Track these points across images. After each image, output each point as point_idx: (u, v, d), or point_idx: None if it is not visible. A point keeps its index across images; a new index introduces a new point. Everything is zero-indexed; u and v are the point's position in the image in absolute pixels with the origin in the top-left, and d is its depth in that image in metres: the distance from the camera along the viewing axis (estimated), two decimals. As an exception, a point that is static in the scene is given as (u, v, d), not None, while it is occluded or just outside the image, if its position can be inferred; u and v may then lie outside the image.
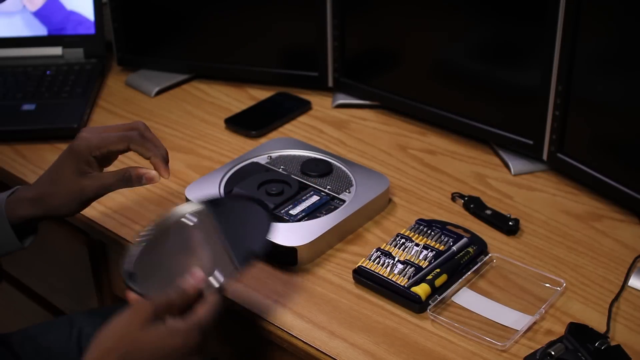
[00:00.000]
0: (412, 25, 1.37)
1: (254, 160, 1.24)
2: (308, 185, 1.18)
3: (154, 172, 1.02)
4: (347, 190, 1.17)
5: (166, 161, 1.04)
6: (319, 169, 1.21)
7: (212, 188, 1.16)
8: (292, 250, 1.06)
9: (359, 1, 1.41)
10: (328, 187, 1.18)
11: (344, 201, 1.15)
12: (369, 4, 1.41)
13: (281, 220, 1.11)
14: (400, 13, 1.37)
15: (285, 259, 1.07)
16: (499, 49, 1.28)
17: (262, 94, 1.52)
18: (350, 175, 1.20)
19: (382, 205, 1.18)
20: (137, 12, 1.55)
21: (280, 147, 1.27)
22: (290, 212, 1.12)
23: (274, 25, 1.49)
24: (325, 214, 1.12)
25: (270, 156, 1.25)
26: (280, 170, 1.22)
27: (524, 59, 1.24)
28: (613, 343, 0.93)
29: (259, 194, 1.15)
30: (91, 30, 1.58)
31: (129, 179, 1.02)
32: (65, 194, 1.02)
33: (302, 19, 1.46)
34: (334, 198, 1.16)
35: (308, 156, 1.25)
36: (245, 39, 1.51)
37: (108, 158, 1.05)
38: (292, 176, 1.20)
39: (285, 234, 1.06)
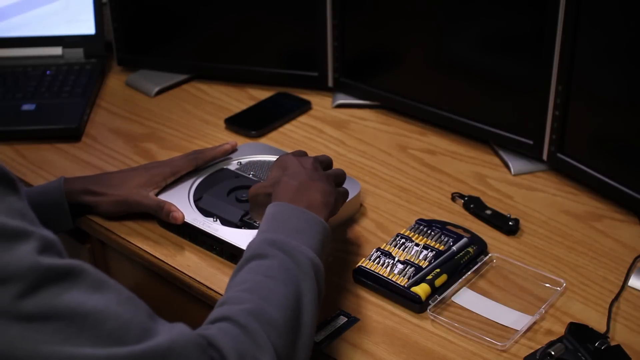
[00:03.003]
0: (412, 26, 1.37)
1: (224, 166, 1.23)
2: None
3: (179, 215, 1.11)
4: None
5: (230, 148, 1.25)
6: None
7: (182, 195, 1.16)
8: None
9: (359, 1, 1.41)
10: None
11: None
12: (369, 4, 1.41)
13: (251, 227, 1.11)
14: (400, 13, 1.37)
15: None
16: (499, 48, 1.28)
17: (262, 94, 1.52)
18: None
19: (353, 209, 1.18)
20: (137, 12, 1.55)
21: (250, 153, 1.26)
22: None
23: (274, 25, 1.49)
24: None
25: (240, 162, 1.25)
26: (250, 176, 1.21)
27: (524, 59, 1.24)
28: (613, 343, 0.93)
29: (228, 201, 1.15)
30: (91, 30, 1.58)
31: (161, 210, 1.12)
32: (118, 194, 1.14)
33: (302, 19, 1.46)
34: None
35: None
36: (245, 39, 1.51)
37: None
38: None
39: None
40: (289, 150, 1.29)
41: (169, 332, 0.74)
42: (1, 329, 0.66)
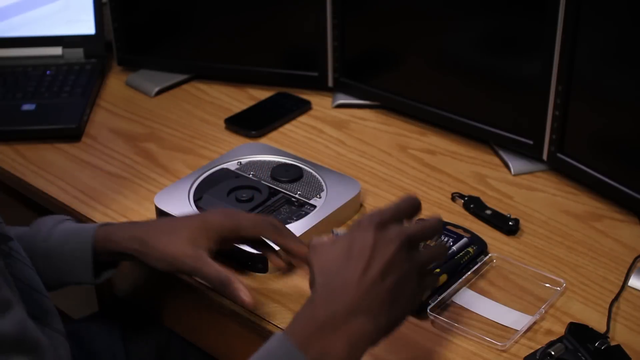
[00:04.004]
0: (412, 26, 1.37)
1: (224, 166, 1.23)
2: (278, 191, 1.17)
3: (247, 299, 0.93)
4: (318, 196, 1.16)
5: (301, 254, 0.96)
6: (289, 174, 1.20)
7: (182, 195, 1.16)
8: (262, 258, 1.05)
9: (359, 1, 1.42)
10: (299, 192, 1.17)
11: (314, 206, 1.14)
12: (369, 4, 1.41)
13: None
14: (400, 13, 1.37)
15: (256, 267, 1.06)
16: (499, 48, 1.28)
17: (262, 94, 1.52)
18: (321, 180, 1.19)
19: (353, 210, 1.18)
20: (137, 12, 1.55)
21: (250, 153, 1.26)
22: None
23: (274, 25, 1.49)
24: (296, 220, 1.11)
25: (240, 162, 1.24)
26: (250, 176, 1.21)
27: (524, 59, 1.24)
28: (613, 343, 0.93)
29: (228, 201, 1.15)
30: (91, 30, 1.58)
31: (224, 286, 0.94)
32: (167, 251, 0.96)
33: (302, 19, 1.46)
34: (304, 204, 1.15)
35: (278, 161, 1.24)
36: (245, 39, 1.51)
37: (228, 241, 1.00)
38: (262, 182, 1.19)
39: (255, 241, 1.06)
40: (290, 151, 1.29)
41: None
42: None
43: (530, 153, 1.28)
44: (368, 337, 0.78)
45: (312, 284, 0.81)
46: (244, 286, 0.93)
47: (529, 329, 0.97)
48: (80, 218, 1.19)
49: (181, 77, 1.57)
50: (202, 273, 0.95)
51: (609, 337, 0.95)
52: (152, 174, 1.29)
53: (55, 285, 1.01)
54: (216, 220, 0.97)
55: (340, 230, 0.90)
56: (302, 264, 0.96)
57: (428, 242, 1.08)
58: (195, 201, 1.15)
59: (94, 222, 1.17)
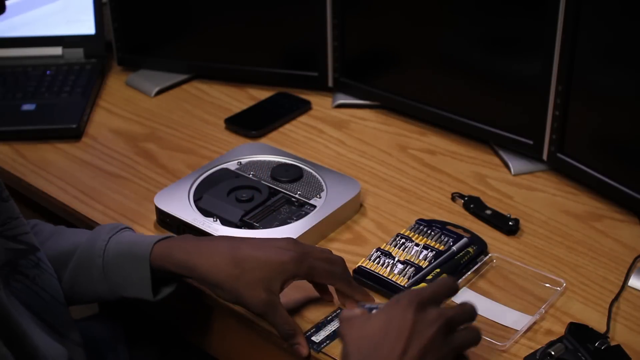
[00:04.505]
0: (412, 26, 1.37)
1: (224, 166, 1.23)
2: (278, 191, 1.17)
3: (305, 353, 0.93)
4: (318, 196, 1.16)
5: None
6: (289, 174, 1.20)
7: (182, 195, 1.16)
8: None
9: (359, 1, 1.41)
10: (299, 192, 1.17)
11: (314, 206, 1.14)
12: (369, 4, 1.41)
13: (251, 227, 1.11)
14: (400, 13, 1.37)
15: None
16: (499, 48, 1.28)
17: (262, 94, 1.52)
18: (321, 180, 1.19)
19: (353, 209, 1.18)
20: (137, 12, 1.55)
21: (250, 153, 1.26)
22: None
23: (274, 25, 1.49)
24: (296, 220, 1.11)
25: (240, 162, 1.24)
26: (250, 176, 1.21)
27: (524, 59, 1.24)
28: (613, 343, 0.93)
29: (228, 201, 1.15)
30: (91, 30, 1.58)
31: (289, 338, 0.94)
32: (237, 290, 0.93)
33: (302, 19, 1.46)
34: (304, 204, 1.15)
35: (278, 161, 1.24)
36: (245, 39, 1.51)
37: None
38: (262, 182, 1.19)
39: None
40: (290, 151, 1.29)
41: None
42: None
43: (530, 153, 1.28)
44: None
45: (345, 357, 0.80)
46: (305, 341, 0.94)
47: (529, 329, 0.97)
48: (81, 218, 1.19)
49: (181, 77, 1.57)
50: (271, 319, 0.94)
51: (609, 337, 0.95)
52: (152, 174, 1.29)
53: (110, 298, 1.00)
54: (292, 264, 0.93)
55: (369, 304, 0.90)
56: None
57: (428, 242, 1.08)
58: (195, 201, 1.15)
59: (95, 222, 1.17)
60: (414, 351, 0.77)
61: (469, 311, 0.83)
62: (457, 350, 0.82)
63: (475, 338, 0.83)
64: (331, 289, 0.99)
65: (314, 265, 0.95)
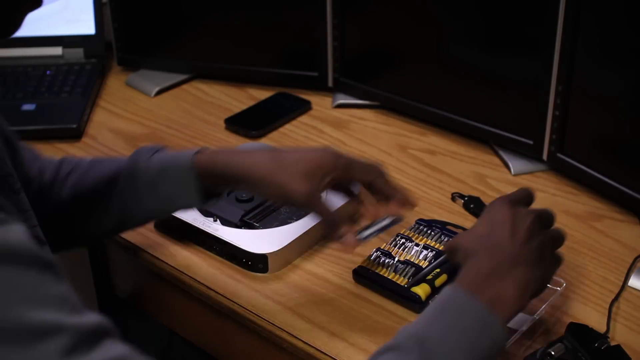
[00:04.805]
0: (412, 26, 1.37)
1: None
2: None
3: (351, 242, 0.96)
4: None
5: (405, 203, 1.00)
6: None
7: None
8: (262, 257, 1.05)
9: (359, 1, 1.42)
10: None
11: None
12: (369, 4, 1.41)
13: (251, 227, 1.11)
14: (400, 13, 1.37)
15: (256, 266, 1.06)
16: (499, 49, 1.28)
17: (262, 94, 1.52)
18: None
19: (353, 210, 1.17)
20: (137, 12, 1.55)
21: None
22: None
23: (274, 25, 1.49)
24: (296, 220, 1.11)
25: None
26: None
27: (524, 59, 1.24)
28: (613, 343, 0.93)
29: (228, 200, 1.15)
30: (91, 30, 1.58)
31: (332, 229, 0.96)
32: (281, 182, 0.94)
33: (302, 19, 1.46)
34: None
35: None
36: (245, 39, 1.51)
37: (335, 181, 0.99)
38: None
39: (255, 241, 1.06)
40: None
41: None
42: None
43: (530, 153, 1.28)
44: (532, 284, 0.84)
45: (467, 260, 0.86)
46: (349, 232, 0.96)
47: (529, 329, 0.97)
48: (80, 218, 1.19)
49: (181, 77, 1.57)
50: (313, 210, 0.97)
51: (609, 337, 0.95)
52: (152, 174, 1.29)
53: (161, 213, 1.05)
54: (331, 158, 0.97)
55: (366, 232, 0.97)
56: (395, 213, 1.00)
57: (428, 242, 1.08)
58: None
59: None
60: (521, 234, 0.85)
61: (551, 213, 0.92)
62: (554, 241, 0.90)
63: (564, 235, 0.91)
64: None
65: (351, 160, 0.99)
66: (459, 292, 0.81)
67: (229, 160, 0.97)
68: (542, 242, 0.87)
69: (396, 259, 1.05)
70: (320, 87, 1.50)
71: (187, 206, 1.03)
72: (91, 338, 0.61)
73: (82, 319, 0.61)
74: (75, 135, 1.39)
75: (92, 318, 0.62)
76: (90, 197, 1.02)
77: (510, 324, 0.97)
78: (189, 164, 0.98)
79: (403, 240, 1.09)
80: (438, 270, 1.03)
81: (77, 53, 1.58)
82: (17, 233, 0.57)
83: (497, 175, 1.28)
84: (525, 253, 0.85)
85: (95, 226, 1.04)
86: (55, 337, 0.59)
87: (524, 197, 0.93)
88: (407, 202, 0.99)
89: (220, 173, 0.98)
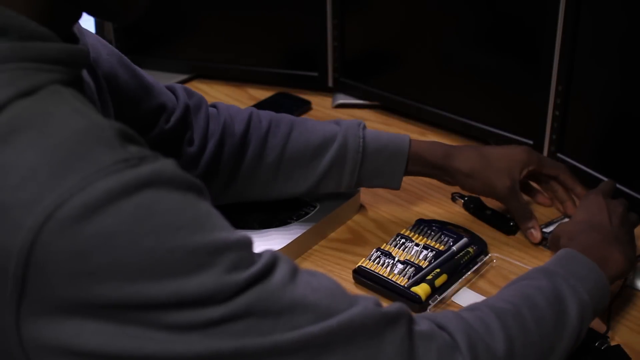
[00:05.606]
0: (412, 26, 1.37)
1: None
2: None
3: (537, 236, 1.10)
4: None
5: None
6: None
7: None
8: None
9: (359, 1, 1.42)
10: None
11: (314, 207, 1.14)
12: (369, 4, 1.41)
13: (251, 227, 1.11)
14: (400, 13, 1.37)
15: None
16: (499, 49, 1.29)
17: (262, 94, 1.52)
18: None
19: (353, 209, 1.18)
20: (137, 12, 1.55)
21: None
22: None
23: (274, 25, 1.49)
24: (296, 220, 1.11)
25: None
26: None
27: (524, 59, 1.24)
28: (613, 343, 0.93)
29: None
30: (91, 30, 1.58)
31: (524, 221, 1.11)
32: (484, 177, 1.09)
33: (302, 19, 1.46)
34: (304, 204, 1.15)
35: None
36: (245, 39, 1.51)
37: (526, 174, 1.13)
38: None
39: (255, 241, 1.06)
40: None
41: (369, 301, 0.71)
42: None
43: (530, 153, 1.28)
44: (627, 260, 0.94)
45: (555, 245, 0.99)
46: (538, 227, 1.10)
47: (529, 329, 0.97)
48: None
49: (181, 77, 1.57)
50: (511, 202, 1.11)
51: (609, 337, 0.95)
52: (152, 174, 1.28)
53: (357, 184, 1.11)
54: (527, 154, 1.11)
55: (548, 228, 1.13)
56: (571, 212, 1.13)
57: (428, 242, 1.08)
58: None
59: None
60: (616, 219, 0.99)
61: (628, 205, 1.06)
62: (633, 227, 1.04)
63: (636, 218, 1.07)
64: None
65: (541, 156, 1.14)
66: (570, 251, 0.90)
67: (440, 151, 1.10)
68: (631, 228, 1.02)
69: (396, 259, 1.05)
70: (320, 87, 1.50)
71: (382, 185, 1.11)
72: (251, 249, 0.64)
73: (235, 234, 0.63)
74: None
75: (240, 233, 0.64)
76: (295, 159, 1.08)
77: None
78: (405, 147, 1.08)
79: (403, 240, 1.09)
80: (438, 270, 1.03)
81: (77, 53, 1.57)
82: (172, 164, 0.60)
83: (497, 175, 1.28)
84: (622, 234, 0.97)
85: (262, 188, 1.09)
86: (227, 254, 0.60)
87: (610, 190, 1.08)
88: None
89: (431, 162, 1.10)
